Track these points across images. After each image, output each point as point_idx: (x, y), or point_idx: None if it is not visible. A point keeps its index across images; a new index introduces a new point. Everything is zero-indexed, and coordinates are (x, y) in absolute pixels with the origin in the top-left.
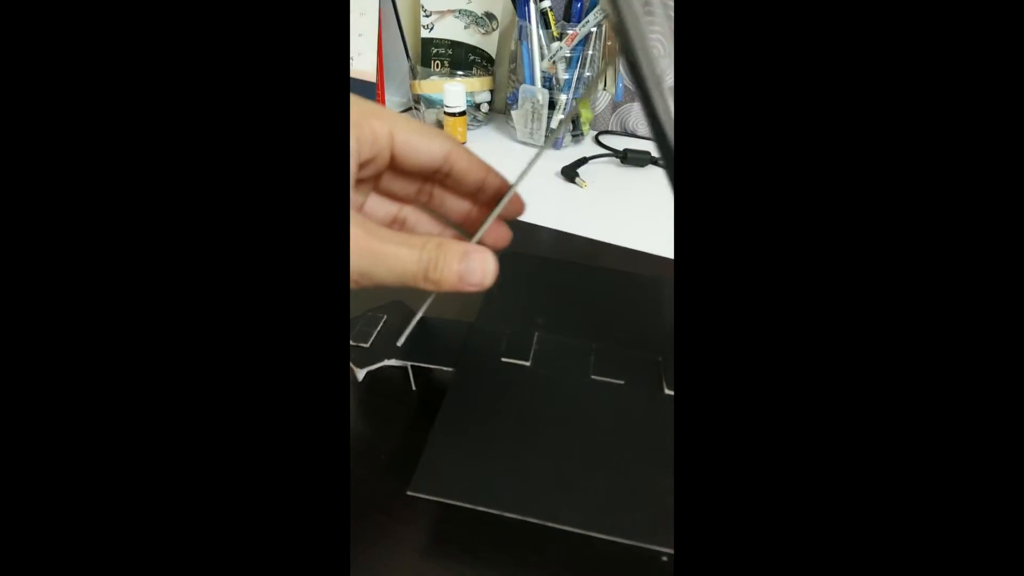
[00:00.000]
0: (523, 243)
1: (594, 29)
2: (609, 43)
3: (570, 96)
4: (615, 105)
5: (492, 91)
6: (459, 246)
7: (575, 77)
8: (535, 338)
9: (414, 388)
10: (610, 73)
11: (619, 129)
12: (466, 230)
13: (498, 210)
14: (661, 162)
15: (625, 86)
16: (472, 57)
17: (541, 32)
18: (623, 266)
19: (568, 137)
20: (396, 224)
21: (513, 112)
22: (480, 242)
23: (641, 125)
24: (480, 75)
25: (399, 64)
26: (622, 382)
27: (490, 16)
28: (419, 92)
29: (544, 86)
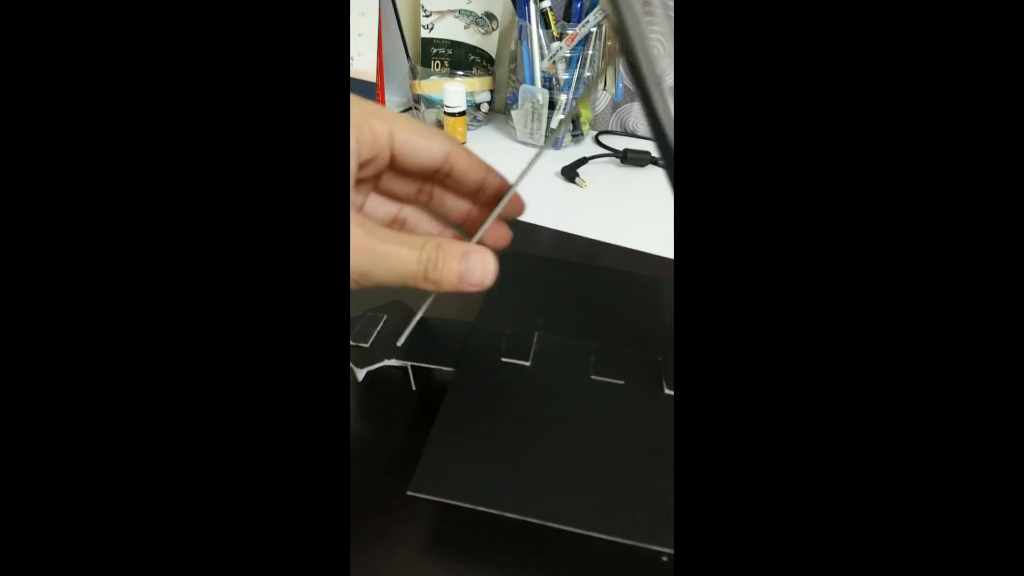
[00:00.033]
0: (523, 243)
1: (594, 29)
2: (609, 43)
3: (570, 96)
4: (615, 105)
5: (492, 91)
6: (459, 246)
7: (575, 77)
8: (535, 338)
9: (414, 388)
10: (610, 73)
11: (619, 129)
12: (466, 230)
13: (498, 210)
14: (661, 162)
15: (625, 86)
16: (472, 57)
17: (541, 32)
18: (623, 266)
19: (568, 137)
20: (396, 224)
21: (513, 112)
22: (480, 242)
23: (641, 125)
24: (480, 75)
25: (399, 64)
26: (622, 382)
27: (490, 16)
28: (419, 92)
29: (544, 86)
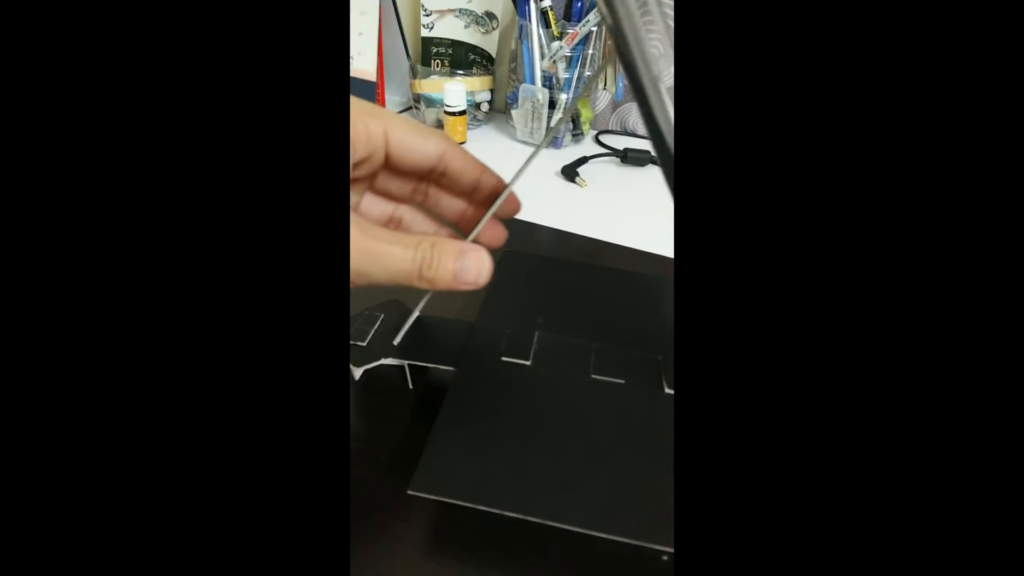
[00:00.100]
0: (523, 242)
1: (594, 28)
2: (609, 42)
3: (570, 95)
4: (615, 104)
5: (492, 90)
6: (454, 245)
7: (575, 76)
8: (535, 337)
9: (411, 387)
10: (610, 72)
11: (619, 128)
12: (461, 229)
13: (493, 209)
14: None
15: (625, 85)
16: (472, 56)
17: (541, 31)
18: (623, 265)
19: (568, 136)
20: (392, 223)
21: (513, 111)
22: (475, 241)
23: (641, 125)
24: (480, 74)
25: (399, 63)
26: (622, 381)
27: (490, 15)
28: (419, 91)
29: (544, 85)
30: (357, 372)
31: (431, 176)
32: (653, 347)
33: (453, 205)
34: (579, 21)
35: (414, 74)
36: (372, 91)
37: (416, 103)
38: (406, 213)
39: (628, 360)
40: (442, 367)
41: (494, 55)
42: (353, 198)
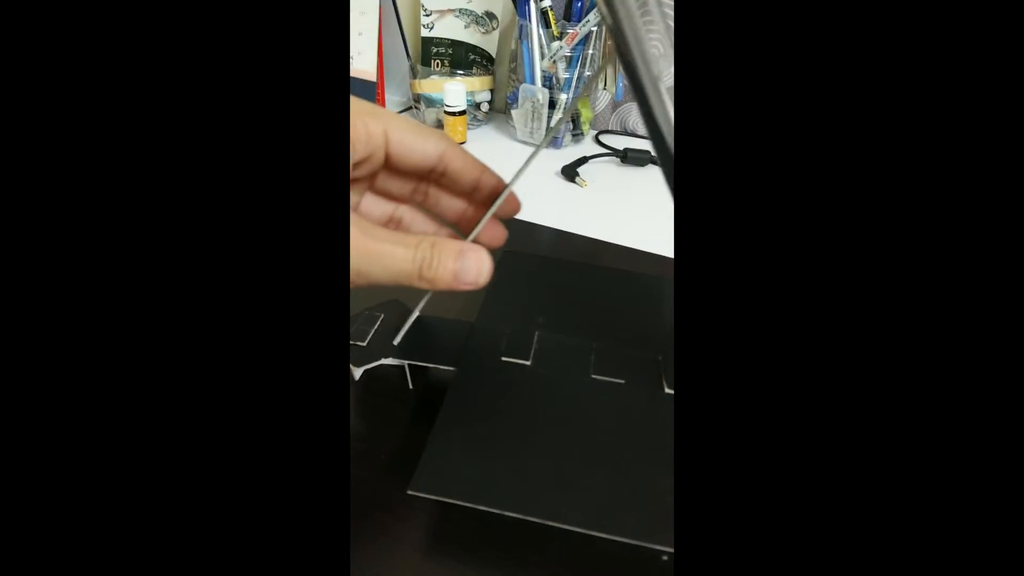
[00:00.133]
0: (523, 242)
1: (595, 28)
2: (609, 42)
3: (570, 95)
4: (615, 104)
5: (492, 90)
6: (454, 245)
7: (575, 76)
8: (535, 337)
9: (411, 387)
10: (610, 72)
11: (619, 128)
12: (462, 229)
13: (493, 209)
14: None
15: (625, 85)
16: (472, 56)
17: (541, 31)
18: (623, 265)
19: (568, 136)
20: (392, 223)
21: (513, 111)
22: (475, 241)
23: (641, 124)
24: (480, 74)
25: (399, 63)
26: (622, 381)
27: (490, 15)
28: (419, 91)
29: (544, 85)
30: (357, 372)
31: (431, 176)
32: (653, 347)
33: (453, 205)
34: (579, 21)
35: (414, 74)
36: (372, 91)
37: (416, 103)
38: (406, 213)
39: (628, 360)
40: (442, 367)
41: (494, 55)
42: (353, 198)
